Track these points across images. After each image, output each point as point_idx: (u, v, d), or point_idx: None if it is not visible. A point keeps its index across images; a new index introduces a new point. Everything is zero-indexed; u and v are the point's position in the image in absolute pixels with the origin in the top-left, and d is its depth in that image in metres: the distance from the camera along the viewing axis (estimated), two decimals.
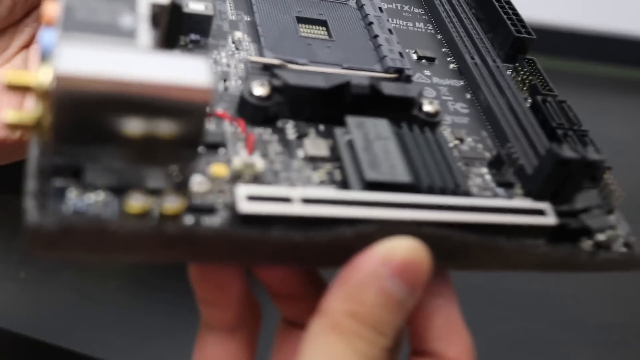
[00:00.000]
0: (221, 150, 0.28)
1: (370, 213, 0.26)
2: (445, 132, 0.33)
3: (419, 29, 0.40)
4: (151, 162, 0.24)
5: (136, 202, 0.24)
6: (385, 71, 0.34)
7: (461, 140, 0.33)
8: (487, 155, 0.33)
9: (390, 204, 0.26)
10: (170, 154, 0.24)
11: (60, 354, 0.42)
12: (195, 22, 0.33)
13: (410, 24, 0.40)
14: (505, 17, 0.39)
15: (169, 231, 0.24)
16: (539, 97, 0.35)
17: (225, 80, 0.31)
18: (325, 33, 0.36)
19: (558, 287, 0.53)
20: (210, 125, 0.29)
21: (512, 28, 0.38)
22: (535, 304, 0.52)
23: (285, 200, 0.25)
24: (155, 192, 0.24)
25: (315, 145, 0.29)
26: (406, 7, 0.41)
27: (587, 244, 0.29)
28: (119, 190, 0.24)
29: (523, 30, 0.38)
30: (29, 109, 0.23)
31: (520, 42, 0.38)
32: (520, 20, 0.39)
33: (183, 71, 0.23)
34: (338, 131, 0.29)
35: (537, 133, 0.33)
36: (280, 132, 0.30)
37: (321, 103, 0.30)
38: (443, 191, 0.28)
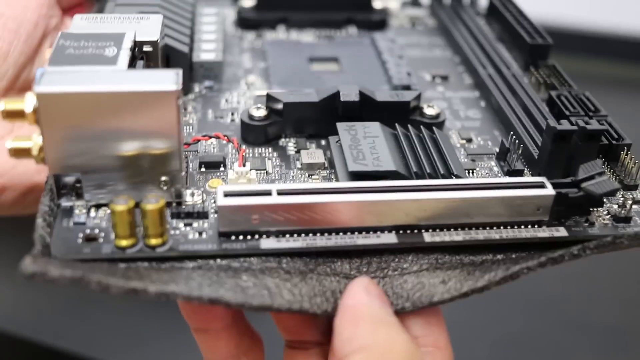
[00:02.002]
0: (222, 169, 0.30)
1: (346, 198, 0.26)
2: (453, 135, 0.33)
3: (436, 55, 0.41)
4: (143, 177, 0.27)
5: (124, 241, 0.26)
6: (393, 89, 0.36)
7: (469, 140, 0.33)
8: (497, 150, 0.32)
9: (373, 189, 0.26)
10: (158, 166, 0.26)
11: (60, 355, 0.43)
12: (207, 69, 0.36)
13: (428, 52, 0.41)
14: (518, 28, 0.39)
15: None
16: (554, 92, 0.34)
17: (233, 114, 0.34)
18: (337, 67, 0.38)
19: (564, 288, 0.51)
20: (210, 148, 0.31)
21: (526, 37, 0.38)
22: (540, 305, 0.50)
23: (265, 194, 0.26)
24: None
25: (311, 155, 0.31)
26: (425, 40, 0.42)
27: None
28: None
29: (538, 38, 0.38)
30: (27, 136, 0.26)
31: (537, 49, 0.38)
32: (535, 28, 0.39)
33: (152, 80, 0.25)
34: (331, 138, 0.31)
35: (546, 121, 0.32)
36: (282, 149, 0.31)
37: (318, 117, 0.32)
38: (432, 177, 0.28)
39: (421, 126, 0.31)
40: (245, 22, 0.42)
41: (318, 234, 0.27)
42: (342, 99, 0.31)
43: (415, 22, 0.44)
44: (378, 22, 0.43)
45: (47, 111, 0.25)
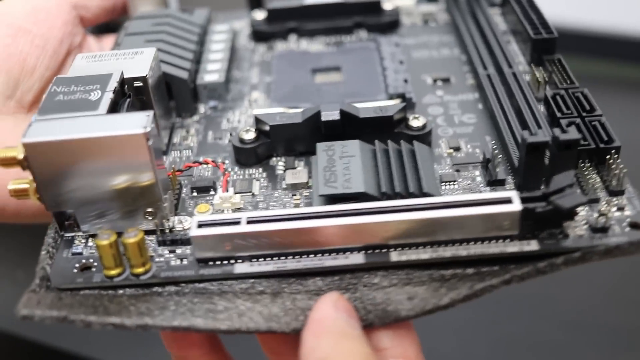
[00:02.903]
0: (212, 192, 0.32)
1: (310, 224, 0.27)
2: (442, 143, 0.33)
3: (443, 55, 0.41)
4: (129, 208, 0.29)
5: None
6: (390, 98, 0.36)
7: (457, 149, 0.33)
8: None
9: (337, 213, 0.28)
10: (141, 200, 0.29)
11: (60, 355, 0.45)
12: (211, 90, 0.38)
13: (435, 52, 0.41)
14: (525, 21, 0.38)
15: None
16: (550, 93, 0.34)
17: (231, 134, 0.35)
18: (339, 77, 0.39)
19: (563, 288, 0.50)
20: (205, 172, 0.33)
21: (530, 31, 0.37)
22: (540, 305, 0.49)
23: (235, 223, 0.28)
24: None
25: (295, 175, 0.32)
26: (435, 39, 0.42)
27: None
28: None
29: (544, 31, 0.37)
30: (24, 178, 0.29)
31: (541, 43, 0.37)
32: (543, 22, 0.38)
33: (123, 125, 0.27)
34: (313, 158, 0.32)
35: (538, 126, 0.32)
36: (271, 169, 0.33)
37: (304, 136, 0.33)
38: (404, 197, 0.29)
39: (401, 141, 0.32)
40: (258, 34, 0.43)
41: (289, 257, 0.28)
42: (323, 119, 0.32)
43: (428, 20, 0.44)
44: (388, 24, 0.43)
45: (34, 158, 0.27)
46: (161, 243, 0.29)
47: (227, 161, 0.34)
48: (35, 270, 0.29)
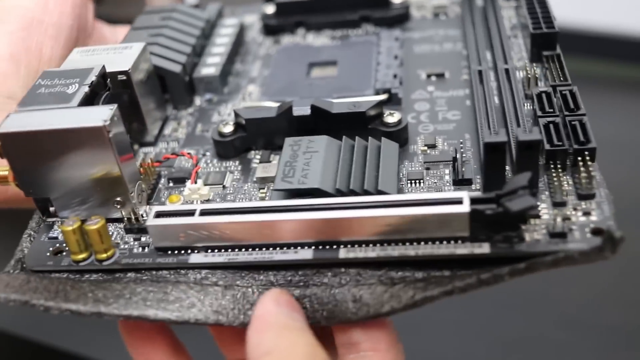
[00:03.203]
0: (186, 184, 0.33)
1: (258, 218, 0.28)
2: (419, 140, 0.33)
3: (445, 50, 0.40)
4: (100, 198, 0.30)
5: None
6: (376, 93, 0.36)
7: (432, 147, 0.32)
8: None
9: (287, 208, 0.28)
10: (109, 190, 0.30)
11: (60, 354, 0.46)
12: (207, 83, 0.39)
13: (437, 46, 0.40)
14: (528, 15, 0.37)
15: None
16: (536, 90, 0.32)
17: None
18: (334, 71, 0.39)
19: (561, 287, 0.48)
20: (185, 163, 0.34)
21: (530, 25, 0.36)
22: (538, 305, 0.47)
23: (189, 214, 0.29)
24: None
25: (265, 169, 0.32)
26: (441, 32, 0.41)
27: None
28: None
29: (544, 25, 0.36)
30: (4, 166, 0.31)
31: (541, 39, 0.36)
32: (547, 16, 0.36)
33: (85, 118, 0.29)
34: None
35: (518, 125, 0.31)
36: (248, 162, 0.34)
37: (279, 130, 0.33)
38: (357, 194, 0.29)
39: (369, 137, 0.31)
40: (268, 28, 0.44)
41: (242, 250, 0.29)
42: (294, 114, 0.32)
43: (439, 13, 0.43)
44: (396, 17, 0.42)
45: (8, 147, 0.29)
46: (128, 231, 0.31)
47: (208, 153, 0.35)
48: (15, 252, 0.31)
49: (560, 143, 0.29)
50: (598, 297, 0.50)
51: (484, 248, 0.27)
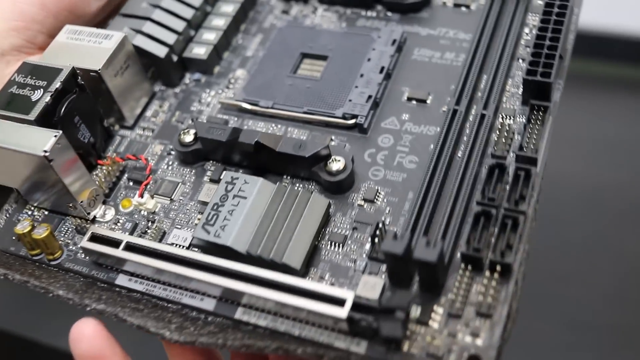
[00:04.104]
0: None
1: (169, 267, 0.30)
2: (362, 188, 0.32)
3: (444, 61, 0.37)
4: (58, 199, 0.33)
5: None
6: (343, 117, 0.35)
7: (370, 202, 0.32)
8: (390, 218, 0.31)
9: (201, 265, 0.30)
10: (61, 198, 0.33)
11: (60, 354, 0.47)
12: (196, 64, 0.39)
13: (437, 54, 0.37)
14: (531, 52, 0.33)
15: None
16: (491, 162, 0.30)
17: (192, 120, 0.37)
18: (320, 70, 0.37)
19: (562, 288, 0.49)
20: (140, 164, 0.36)
21: (525, 67, 0.33)
22: (539, 305, 0.48)
23: (116, 245, 0.31)
24: None
25: (208, 192, 0.34)
26: (450, 33, 0.38)
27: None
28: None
29: (541, 70, 0.32)
30: None
31: (532, 85, 0.32)
32: (550, 61, 0.32)
33: (29, 141, 0.31)
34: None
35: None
36: (202, 175, 0.35)
37: (229, 153, 0.34)
38: (264, 261, 0.30)
39: (303, 185, 0.31)
40: None
41: (159, 284, 0.31)
42: (238, 147, 0.33)
43: (462, 5, 0.39)
44: (411, 5, 0.39)
45: None
46: (78, 231, 0.34)
47: (173, 153, 0.36)
48: None
49: (478, 248, 0.28)
50: (598, 297, 0.50)
51: (361, 347, 0.28)
